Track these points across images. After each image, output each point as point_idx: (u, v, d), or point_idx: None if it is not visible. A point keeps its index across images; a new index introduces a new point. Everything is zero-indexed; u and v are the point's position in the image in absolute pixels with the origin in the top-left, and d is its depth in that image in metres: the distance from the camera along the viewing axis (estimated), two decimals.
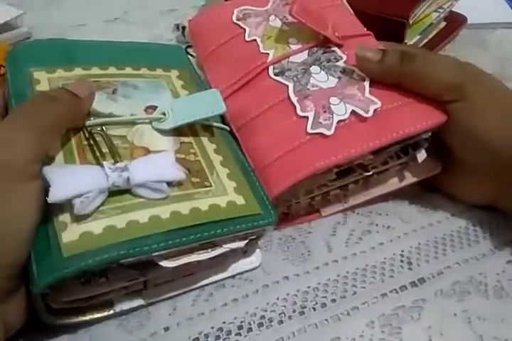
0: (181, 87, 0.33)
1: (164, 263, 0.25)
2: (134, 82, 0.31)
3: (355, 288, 0.29)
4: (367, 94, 0.29)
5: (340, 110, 0.28)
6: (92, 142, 0.26)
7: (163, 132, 0.28)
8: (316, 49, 0.32)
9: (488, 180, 0.30)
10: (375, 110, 0.28)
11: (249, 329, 0.27)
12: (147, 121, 0.29)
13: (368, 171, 0.30)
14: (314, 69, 0.31)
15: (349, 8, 0.36)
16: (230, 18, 0.35)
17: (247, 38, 0.33)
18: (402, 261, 0.31)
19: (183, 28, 0.48)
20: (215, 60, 0.34)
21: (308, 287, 0.29)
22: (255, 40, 0.33)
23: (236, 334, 0.27)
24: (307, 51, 0.31)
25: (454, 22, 0.50)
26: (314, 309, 0.28)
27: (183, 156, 0.27)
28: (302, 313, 0.28)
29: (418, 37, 0.45)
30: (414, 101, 0.29)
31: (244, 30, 0.34)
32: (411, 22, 0.42)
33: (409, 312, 0.28)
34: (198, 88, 0.33)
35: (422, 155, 0.32)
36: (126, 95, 0.30)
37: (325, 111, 0.28)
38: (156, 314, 0.28)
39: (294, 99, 0.29)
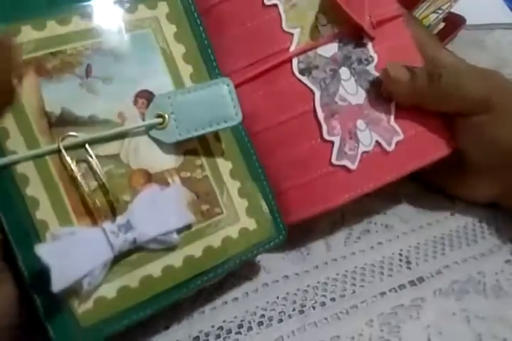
0: (174, 39, 0.24)
1: None
2: (111, 45, 0.22)
3: (354, 287, 0.29)
4: (392, 121, 0.28)
5: (366, 139, 0.27)
6: (78, 173, 0.21)
7: (162, 143, 0.23)
8: (346, 40, 0.28)
9: (495, 181, 0.30)
10: (396, 142, 0.28)
11: (250, 328, 0.27)
12: (143, 128, 0.23)
13: None
14: (344, 73, 0.27)
15: None
16: None
17: (266, 1, 0.27)
18: (401, 260, 0.31)
19: None
20: (221, 22, 0.27)
21: (308, 286, 0.29)
22: (276, 5, 0.27)
23: (236, 333, 0.27)
24: (337, 43, 0.28)
25: (453, 23, 0.50)
26: (314, 308, 0.28)
27: (188, 175, 0.23)
28: (302, 312, 0.28)
29: None
30: (431, 128, 0.29)
31: None
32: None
33: (408, 311, 0.28)
34: (194, 34, 0.25)
35: None
36: (106, 76, 0.22)
37: (351, 138, 0.27)
38: (156, 312, 0.28)
39: (320, 115, 0.27)
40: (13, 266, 0.21)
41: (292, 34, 0.27)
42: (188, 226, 0.23)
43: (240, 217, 0.25)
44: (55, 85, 0.21)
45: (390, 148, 0.27)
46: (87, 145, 0.21)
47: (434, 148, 0.29)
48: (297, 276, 0.30)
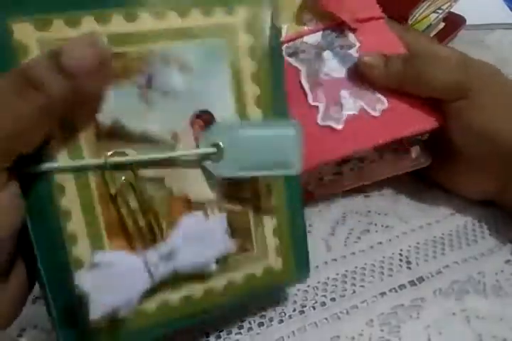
0: (248, 54, 0.21)
1: None
2: (179, 54, 0.20)
3: (354, 287, 0.29)
4: (376, 93, 0.30)
5: (350, 105, 0.29)
6: (119, 192, 0.19)
7: (210, 174, 0.21)
8: (329, 31, 0.31)
9: (488, 174, 0.30)
10: (382, 110, 0.29)
11: (250, 329, 0.27)
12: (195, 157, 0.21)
13: (363, 162, 0.32)
14: (327, 54, 0.30)
15: None
16: None
17: None
18: (401, 260, 0.31)
19: None
20: None
21: (308, 286, 0.29)
22: None
23: (237, 334, 0.27)
24: (321, 32, 0.31)
25: (453, 23, 0.50)
26: (314, 308, 0.28)
27: (230, 207, 0.22)
28: (302, 312, 0.28)
29: None
30: (415, 103, 0.29)
31: None
32: (410, 23, 0.42)
33: (408, 311, 0.28)
34: (271, 51, 0.22)
35: (415, 150, 0.32)
36: (167, 89, 0.19)
37: (335, 104, 0.29)
38: None
39: (306, 85, 0.29)
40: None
41: (281, 27, 0.29)
42: (224, 258, 0.22)
43: (268, 255, 0.24)
44: (111, 92, 0.18)
45: (376, 113, 0.29)
46: (133, 166, 0.19)
47: (421, 120, 0.29)
48: None
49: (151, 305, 0.21)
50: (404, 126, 0.29)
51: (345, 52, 0.31)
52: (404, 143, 0.32)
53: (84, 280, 0.18)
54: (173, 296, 0.21)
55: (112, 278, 0.19)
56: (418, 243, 0.32)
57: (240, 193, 0.22)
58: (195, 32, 0.20)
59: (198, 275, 0.21)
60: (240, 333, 0.27)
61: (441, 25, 0.49)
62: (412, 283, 0.30)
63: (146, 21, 0.19)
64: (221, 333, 0.27)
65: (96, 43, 0.16)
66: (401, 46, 0.31)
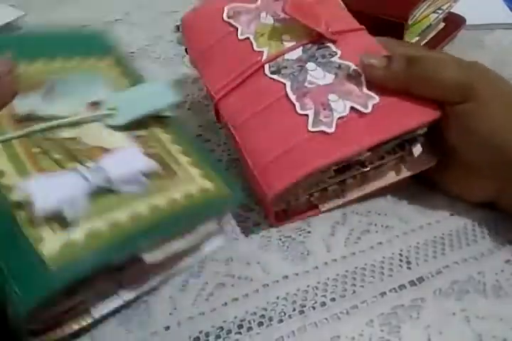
0: (119, 75, 0.31)
1: (148, 258, 0.24)
2: (67, 77, 0.29)
3: (354, 287, 0.29)
4: (364, 89, 0.29)
5: (340, 107, 0.29)
6: (41, 150, 0.25)
7: (115, 129, 0.27)
8: (310, 45, 0.32)
9: (489, 178, 0.30)
10: (373, 105, 0.29)
11: (250, 328, 0.27)
12: (95, 119, 0.28)
13: (366, 167, 0.31)
14: (310, 66, 0.31)
15: (340, 2, 0.36)
16: (220, 15, 0.35)
17: (239, 37, 0.33)
18: (401, 260, 0.31)
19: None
20: (209, 59, 0.34)
21: (308, 286, 0.29)
22: (248, 38, 0.33)
23: (236, 333, 0.27)
24: (301, 48, 0.32)
25: (453, 23, 0.50)
26: (314, 308, 0.28)
27: (142, 151, 0.27)
28: (302, 312, 0.28)
29: (417, 38, 0.46)
30: (410, 97, 0.29)
31: (236, 28, 0.34)
32: (410, 23, 0.42)
33: (408, 311, 0.28)
34: (134, 76, 0.32)
35: (417, 150, 0.32)
36: (64, 93, 0.28)
37: (324, 109, 0.29)
38: (156, 313, 0.28)
39: (292, 96, 0.30)
40: None
41: (262, 51, 0.32)
42: (151, 177, 0.25)
43: (195, 179, 0.27)
44: (31, 94, 0.28)
45: (367, 110, 0.28)
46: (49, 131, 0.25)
47: (417, 113, 0.29)
48: (297, 277, 0.30)
49: (101, 224, 0.23)
50: (401, 120, 0.29)
51: (327, 60, 0.31)
52: (404, 143, 0.31)
53: (26, 185, 0.22)
54: (122, 213, 0.23)
55: (53, 182, 0.22)
56: (418, 243, 0.32)
57: (148, 143, 0.28)
58: (76, 68, 0.31)
59: (141, 194, 0.24)
60: (240, 333, 0.27)
61: (441, 25, 0.49)
62: (412, 283, 0.30)
63: (41, 63, 0.30)
64: (221, 333, 0.27)
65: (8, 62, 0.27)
66: (385, 52, 0.31)
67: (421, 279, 0.30)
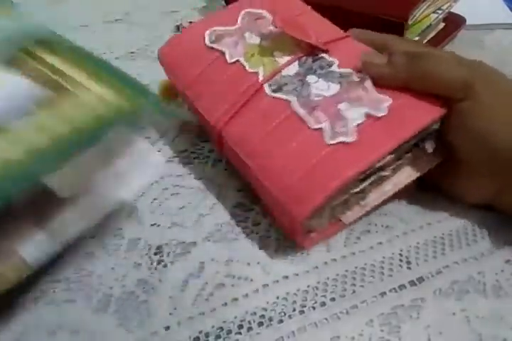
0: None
1: (59, 189, 0.23)
2: None
3: (354, 287, 0.29)
4: (373, 93, 0.29)
5: (354, 114, 0.28)
6: None
7: None
8: (304, 58, 0.31)
9: (487, 179, 0.30)
10: (387, 107, 0.28)
11: (250, 329, 0.27)
12: None
13: (385, 171, 0.30)
14: (311, 78, 0.30)
15: (317, 14, 0.35)
16: (202, 42, 0.33)
17: (229, 60, 0.32)
18: (401, 260, 0.31)
19: (184, 29, 0.49)
20: (199, 89, 0.33)
21: (308, 286, 0.29)
22: (238, 60, 0.32)
23: (236, 334, 0.27)
24: (297, 62, 0.31)
25: (453, 23, 0.50)
26: (314, 308, 0.28)
27: (22, 77, 0.25)
28: (302, 312, 0.28)
29: (417, 38, 0.46)
30: (416, 94, 0.29)
31: (223, 52, 0.32)
32: (410, 23, 0.42)
33: (408, 311, 0.28)
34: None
35: (430, 146, 0.32)
36: None
37: (339, 119, 0.28)
38: (156, 313, 0.28)
39: (301, 112, 0.28)
40: None
41: (257, 72, 0.31)
42: (40, 102, 0.24)
43: (95, 92, 0.25)
44: None
45: (383, 113, 0.28)
46: None
47: (429, 108, 0.28)
48: (297, 277, 0.30)
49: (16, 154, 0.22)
50: (417, 117, 0.28)
51: (327, 71, 0.30)
52: (418, 140, 0.31)
53: None
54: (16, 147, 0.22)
55: None
56: (418, 243, 0.32)
57: (36, 67, 0.26)
58: None
59: (17, 131, 0.22)
60: (240, 333, 0.27)
61: (441, 25, 0.49)
62: (412, 283, 0.30)
63: None
64: (221, 333, 0.27)
65: None
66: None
67: (421, 279, 0.30)
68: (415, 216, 0.34)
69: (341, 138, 0.27)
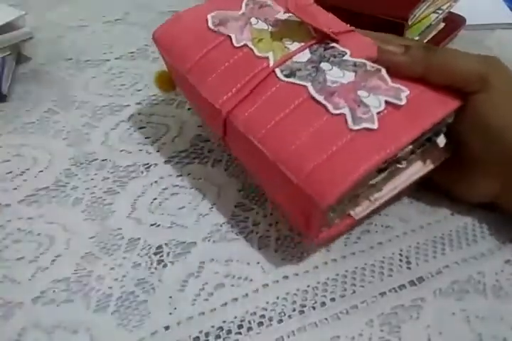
0: None
1: None
2: None
3: (354, 287, 0.29)
4: (390, 83, 0.28)
5: (374, 102, 0.27)
6: None
7: None
8: (316, 47, 0.30)
9: (493, 177, 0.30)
10: (406, 97, 0.27)
11: (250, 328, 0.27)
12: None
13: (401, 163, 0.29)
14: (325, 65, 0.29)
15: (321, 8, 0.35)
16: (204, 25, 0.32)
17: (236, 44, 0.31)
18: (401, 260, 0.31)
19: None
20: (203, 72, 0.31)
21: (308, 286, 0.29)
22: (246, 44, 0.30)
23: (236, 333, 0.27)
24: (308, 49, 0.30)
25: (453, 23, 0.50)
26: (314, 308, 0.28)
27: None
28: (302, 312, 0.28)
29: (417, 38, 0.46)
30: (432, 86, 0.28)
31: (228, 36, 0.31)
32: (410, 23, 0.42)
33: (408, 311, 0.28)
34: None
35: (442, 140, 0.32)
36: None
37: (359, 106, 0.27)
38: (156, 313, 0.28)
39: (319, 97, 0.27)
40: None
41: (267, 57, 0.30)
42: None
43: None
44: None
45: (402, 102, 0.27)
46: None
47: (445, 100, 0.28)
48: (297, 277, 0.30)
49: None
50: (435, 108, 0.28)
51: (340, 60, 0.29)
52: (431, 134, 0.30)
53: None
54: None
55: None
56: (418, 243, 0.32)
57: None
58: None
59: None
60: (240, 333, 0.27)
61: (441, 25, 0.49)
62: (412, 283, 0.30)
63: None
64: (221, 333, 0.27)
65: None
66: None
67: (421, 279, 0.30)
68: (415, 216, 0.34)
69: (365, 125, 0.26)
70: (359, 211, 0.31)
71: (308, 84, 0.28)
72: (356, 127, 0.26)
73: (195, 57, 0.32)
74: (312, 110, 0.28)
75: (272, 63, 0.29)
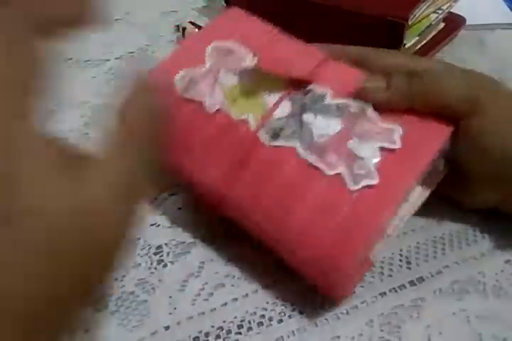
0: None
1: None
2: None
3: (354, 287, 0.29)
4: (380, 123, 0.26)
5: (369, 152, 0.25)
6: None
7: None
8: (294, 93, 0.27)
9: (492, 189, 0.30)
10: (400, 137, 0.26)
11: (250, 328, 0.27)
12: None
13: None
14: (308, 117, 0.27)
15: (285, 35, 0.31)
16: (172, 91, 0.28)
17: (209, 111, 0.27)
18: (401, 260, 0.31)
19: (184, 29, 0.49)
20: (183, 151, 0.28)
21: (308, 286, 0.29)
22: (220, 109, 0.27)
23: (236, 333, 0.27)
24: (287, 99, 0.27)
25: (453, 23, 0.50)
26: (314, 308, 0.28)
27: None
28: (302, 312, 0.28)
29: (417, 38, 0.46)
30: (422, 115, 0.27)
31: (200, 102, 0.28)
32: (410, 23, 0.42)
33: (408, 311, 0.28)
34: None
35: (441, 164, 0.30)
36: None
37: (354, 160, 0.25)
38: (156, 313, 0.28)
39: (310, 158, 0.25)
40: None
41: (245, 119, 0.27)
42: None
43: None
44: None
45: (397, 145, 0.25)
46: None
47: (438, 129, 0.27)
48: (297, 276, 0.30)
49: None
50: (431, 142, 0.26)
51: (322, 105, 0.27)
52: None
53: None
54: None
55: None
56: (418, 243, 0.32)
57: None
58: None
59: None
60: (240, 333, 0.27)
61: (441, 25, 0.49)
62: (412, 283, 0.30)
63: None
64: (221, 333, 0.27)
65: None
66: (361, 73, 0.28)
67: (421, 279, 0.30)
68: (415, 216, 0.33)
69: (366, 182, 0.24)
70: (376, 252, 0.29)
71: (297, 145, 0.26)
72: (357, 187, 0.24)
73: (171, 134, 0.28)
74: (306, 175, 0.25)
75: (252, 126, 0.27)
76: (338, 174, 0.25)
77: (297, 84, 0.27)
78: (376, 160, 0.25)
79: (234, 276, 0.30)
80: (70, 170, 0.15)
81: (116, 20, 0.55)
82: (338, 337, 0.27)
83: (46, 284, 0.14)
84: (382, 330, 0.27)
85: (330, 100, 0.27)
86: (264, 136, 0.26)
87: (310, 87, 0.28)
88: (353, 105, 0.27)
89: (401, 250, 0.31)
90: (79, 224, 0.14)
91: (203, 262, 0.31)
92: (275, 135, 0.26)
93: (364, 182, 0.24)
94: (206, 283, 0.30)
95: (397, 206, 0.25)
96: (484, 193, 0.30)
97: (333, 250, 0.25)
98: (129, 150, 0.16)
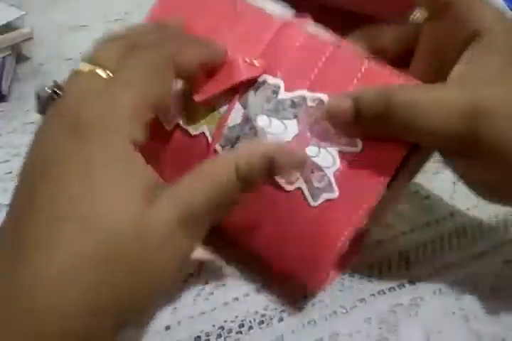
0: None
1: None
2: None
3: (353, 286, 0.29)
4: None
5: (327, 160, 0.23)
6: None
7: None
8: (244, 95, 0.25)
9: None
10: (362, 145, 0.23)
11: (250, 328, 0.28)
12: None
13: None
14: (262, 121, 0.24)
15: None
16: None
17: (167, 128, 0.26)
18: (400, 259, 0.31)
19: None
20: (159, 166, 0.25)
21: None
22: (179, 124, 0.26)
23: (237, 333, 0.27)
24: (238, 103, 0.25)
25: None
26: (313, 306, 0.28)
27: None
28: (302, 310, 0.28)
29: None
30: None
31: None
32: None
33: (407, 310, 0.28)
34: None
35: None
36: None
37: (312, 171, 0.23)
38: (156, 313, 0.28)
39: None
40: None
41: (203, 133, 0.25)
42: None
43: None
44: None
45: (359, 148, 0.23)
46: None
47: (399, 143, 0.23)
48: None
49: None
50: (394, 145, 0.23)
51: (276, 102, 0.24)
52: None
53: None
54: None
55: None
56: (418, 242, 0.32)
57: None
58: None
59: None
60: (241, 332, 0.27)
61: None
62: (411, 282, 0.30)
63: None
64: (222, 332, 0.27)
65: None
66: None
67: (420, 278, 0.30)
68: (415, 215, 0.34)
69: (325, 196, 0.23)
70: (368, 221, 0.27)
71: None
72: (318, 202, 0.23)
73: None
74: (268, 189, 0.24)
75: (209, 138, 0.25)
76: (298, 188, 0.23)
77: (248, 81, 0.25)
78: (335, 168, 0.23)
79: (234, 276, 0.30)
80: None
81: (116, 20, 0.55)
82: (337, 334, 0.27)
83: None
84: (380, 328, 0.27)
85: (283, 94, 0.24)
86: (220, 149, 0.25)
87: (262, 78, 0.25)
88: (310, 96, 0.24)
89: (400, 249, 0.32)
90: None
91: (203, 262, 0.31)
92: (232, 146, 0.24)
93: (324, 196, 0.23)
94: (206, 283, 0.30)
95: (362, 215, 0.23)
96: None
97: (300, 270, 0.26)
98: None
